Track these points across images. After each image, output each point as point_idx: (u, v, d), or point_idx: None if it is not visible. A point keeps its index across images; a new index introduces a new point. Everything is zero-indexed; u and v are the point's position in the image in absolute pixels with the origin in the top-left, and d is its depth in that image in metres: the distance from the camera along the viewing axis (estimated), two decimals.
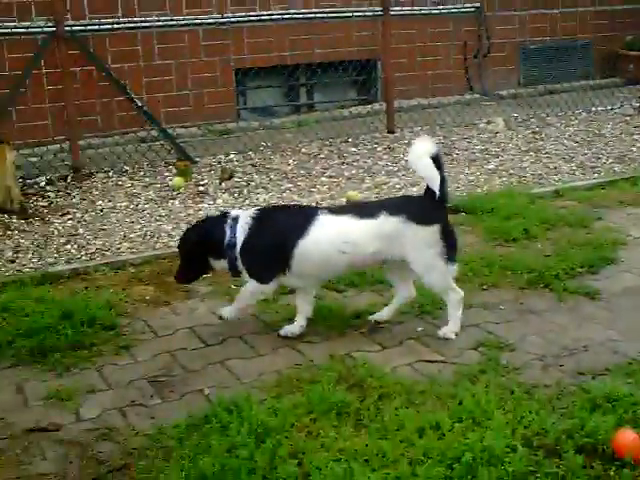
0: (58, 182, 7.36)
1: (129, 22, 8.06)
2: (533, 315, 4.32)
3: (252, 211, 4.18)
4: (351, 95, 10.58)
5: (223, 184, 7.12)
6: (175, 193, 6.94)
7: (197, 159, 7.92)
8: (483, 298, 4.53)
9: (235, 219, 4.12)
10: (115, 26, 7.95)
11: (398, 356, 3.89)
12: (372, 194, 6.73)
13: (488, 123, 9.36)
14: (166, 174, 7.54)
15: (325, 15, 9.00)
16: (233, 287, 4.63)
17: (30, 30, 7.49)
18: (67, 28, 7.34)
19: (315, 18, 9.09)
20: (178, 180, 7.10)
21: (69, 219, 6.38)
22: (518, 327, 4.17)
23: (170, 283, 4.78)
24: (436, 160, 3.95)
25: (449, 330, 4.09)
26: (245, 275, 4.14)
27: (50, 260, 5.49)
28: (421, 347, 3.98)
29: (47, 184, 7.34)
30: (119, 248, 5.65)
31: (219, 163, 7.89)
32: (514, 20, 11.09)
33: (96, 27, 7.78)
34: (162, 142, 8.05)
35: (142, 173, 7.64)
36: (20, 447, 3.25)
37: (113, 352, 4.06)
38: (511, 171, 7.41)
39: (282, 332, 4.14)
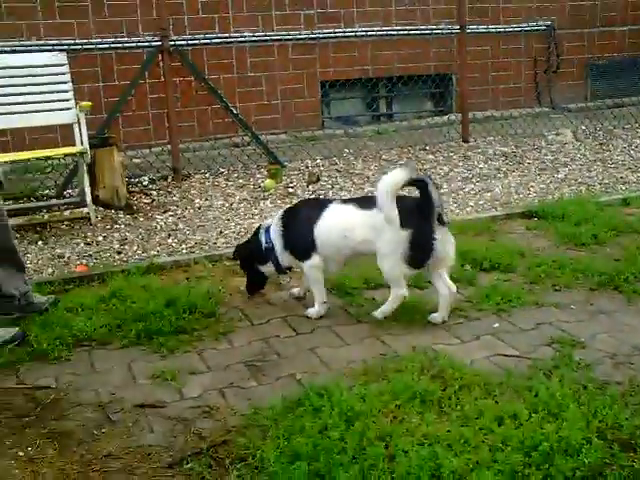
0: (159, 182, 7.49)
1: (228, 37, 8.14)
2: (603, 315, 4.23)
3: (279, 214, 4.47)
4: (428, 106, 10.53)
5: (310, 187, 7.16)
6: (266, 194, 7.00)
7: (286, 163, 7.98)
8: (555, 298, 4.45)
9: (267, 228, 4.45)
10: (214, 41, 8.03)
11: (476, 350, 3.85)
12: (449, 199, 6.69)
13: (557, 134, 9.23)
14: (258, 176, 7.60)
15: (406, 32, 8.96)
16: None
17: (139, 44, 7.63)
18: (171, 42, 7.46)
19: (396, 35, 9.07)
20: (269, 182, 7.16)
21: (170, 215, 6.48)
22: (589, 326, 4.09)
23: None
24: (417, 184, 4.01)
25: (379, 313, 4.23)
26: (298, 263, 4.39)
27: (153, 252, 5.59)
28: (497, 342, 3.94)
29: (150, 183, 7.48)
30: (216, 243, 5.72)
31: (306, 167, 7.93)
32: (583, 37, 10.90)
33: (196, 41, 7.87)
34: (254, 147, 8.12)
35: (236, 175, 7.72)
36: (130, 421, 3.30)
37: (212, 337, 4.10)
38: (580, 180, 7.28)
39: (308, 313, 4.35)
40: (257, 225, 4.80)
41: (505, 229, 5.74)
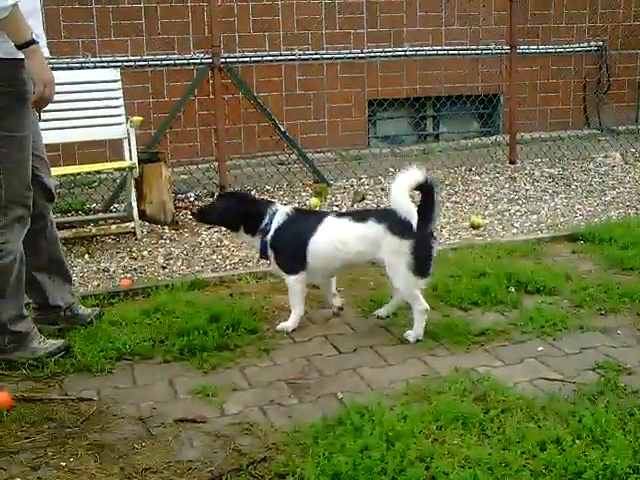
0: (206, 198, 7.53)
1: (278, 55, 8.19)
2: None
3: (281, 219, 4.37)
4: (475, 127, 10.49)
5: (355, 205, 7.15)
6: None
7: (332, 181, 8.00)
8: (601, 322, 4.38)
9: (275, 211, 4.37)
10: (264, 59, 8.08)
11: (519, 373, 3.80)
12: (494, 220, 6.64)
13: (605, 157, 9.13)
14: (303, 194, 7.62)
15: (456, 52, 8.93)
16: (358, 298, 4.64)
17: (190, 61, 7.71)
18: (222, 60, 7.53)
19: (445, 54, 9.05)
20: (315, 200, 7.17)
21: (215, 231, 6.51)
22: (635, 352, 4.01)
23: (307, 294, 4.82)
24: (425, 188, 4.05)
25: (411, 335, 4.19)
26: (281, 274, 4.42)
27: (197, 268, 5.63)
28: (541, 365, 3.88)
29: (196, 199, 7.54)
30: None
31: (352, 186, 7.93)
32: (635, 59, 10.76)
33: (247, 59, 7.93)
34: (300, 165, 8.15)
35: (282, 193, 7.75)
36: (171, 435, 3.31)
37: (255, 354, 4.10)
38: (628, 203, 7.19)
39: (278, 327, 4.37)
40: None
41: (551, 252, 5.67)
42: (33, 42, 3.60)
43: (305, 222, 4.36)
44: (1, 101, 3.68)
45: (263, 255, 4.44)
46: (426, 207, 4.06)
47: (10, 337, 3.93)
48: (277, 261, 4.38)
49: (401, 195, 4.02)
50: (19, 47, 3.58)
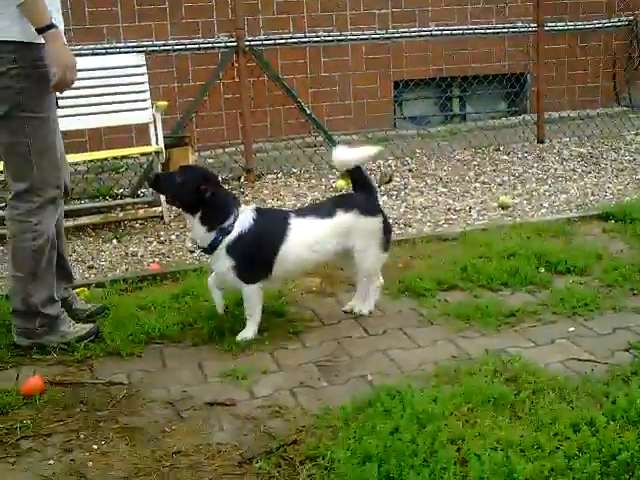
0: (232, 181, 7.52)
1: (303, 37, 8.13)
2: None
3: (244, 227, 3.98)
4: (502, 107, 10.37)
5: (382, 187, 7.11)
6: (338, 194, 6.96)
7: None
8: (633, 302, 4.31)
9: (237, 215, 3.98)
10: (289, 41, 8.03)
11: (550, 354, 3.75)
12: (523, 200, 6.58)
13: (636, 134, 9.00)
14: (330, 177, 7.59)
15: (482, 31, 8.81)
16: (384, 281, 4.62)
17: (215, 45, 7.68)
18: (246, 42, 7.49)
19: (471, 34, 8.93)
20: (341, 182, 7.13)
21: None
22: None
23: (335, 276, 4.82)
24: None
25: (365, 308, 4.27)
26: (237, 283, 4.05)
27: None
28: (572, 346, 3.83)
29: (222, 183, 7.49)
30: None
31: (378, 167, 7.88)
32: None
33: (271, 41, 7.88)
34: (326, 147, 8.11)
35: (308, 175, 7.72)
36: (201, 418, 3.31)
37: (284, 337, 4.09)
38: None
39: (238, 338, 4.05)
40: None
41: (581, 231, 5.60)
42: (52, 26, 3.62)
43: (271, 228, 4.02)
44: (23, 83, 3.70)
45: (209, 251, 4.03)
46: (368, 186, 4.23)
47: (41, 320, 3.96)
48: (234, 269, 3.97)
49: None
50: (39, 31, 3.61)
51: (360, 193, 4.23)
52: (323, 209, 4.18)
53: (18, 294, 3.96)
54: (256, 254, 3.99)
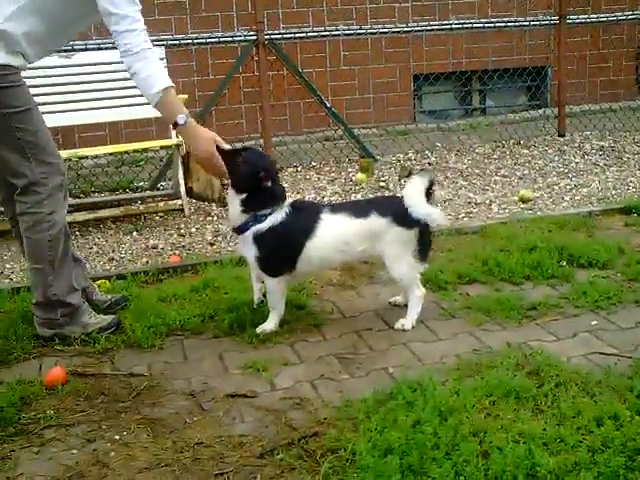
0: None
1: (323, 30, 8.10)
2: None
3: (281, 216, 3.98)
4: (522, 100, 10.32)
5: (402, 180, 7.09)
6: (358, 187, 6.97)
7: (378, 157, 7.93)
8: None
9: (278, 207, 3.97)
10: (309, 34, 8.01)
11: (573, 347, 3.73)
12: (544, 194, 6.54)
13: None
14: (350, 170, 7.57)
15: (503, 24, 8.74)
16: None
17: (235, 39, 7.68)
18: (266, 36, 7.49)
19: (492, 27, 8.87)
20: (361, 176, 7.13)
21: None
22: None
23: (356, 269, 4.81)
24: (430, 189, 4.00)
25: (407, 323, 4.05)
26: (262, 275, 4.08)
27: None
28: (595, 340, 3.80)
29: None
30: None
31: (398, 161, 7.86)
32: None
33: (291, 35, 7.86)
34: (346, 141, 8.10)
35: (328, 168, 7.71)
36: (222, 410, 3.31)
37: (304, 329, 4.09)
38: None
39: (258, 330, 4.04)
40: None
41: (603, 225, 5.56)
42: (177, 124, 3.81)
43: (300, 225, 3.98)
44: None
45: (237, 232, 4.05)
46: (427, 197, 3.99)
47: (62, 310, 3.98)
48: (258, 260, 3.99)
49: (418, 197, 3.95)
50: (173, 125, 3.85)
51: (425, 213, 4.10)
52: (359, 208, 4.08)
53: (39, 286, 3.97)
54: (281, 249, 3.97)
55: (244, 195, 3.94)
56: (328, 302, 4.44)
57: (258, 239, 3.95)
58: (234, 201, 3.97)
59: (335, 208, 4.13)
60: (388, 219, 3.95)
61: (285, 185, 6.83)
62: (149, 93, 3.76)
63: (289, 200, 4.06)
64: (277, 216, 3.94)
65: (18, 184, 3.84)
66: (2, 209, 4.85)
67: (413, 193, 3.97)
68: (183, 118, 3.80)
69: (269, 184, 3.93)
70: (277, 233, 3.93)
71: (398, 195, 4.20)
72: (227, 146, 3.94)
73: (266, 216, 3.94)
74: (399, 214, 3.95)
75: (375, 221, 3.96)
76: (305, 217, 4.02)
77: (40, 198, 3.84)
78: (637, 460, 2.68)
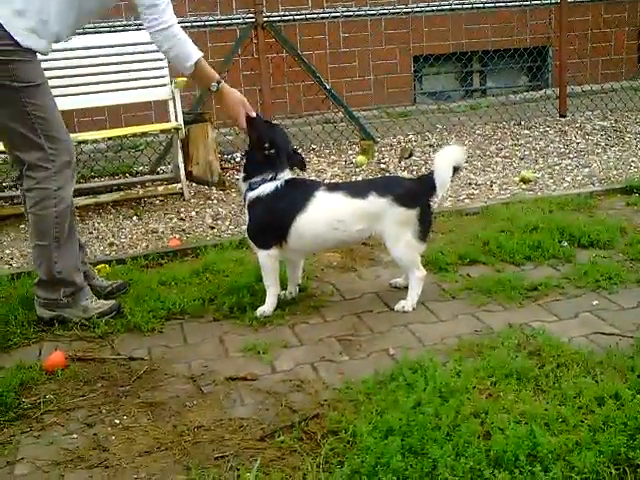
0: None
1: (322, 12, 8.05)
2: None
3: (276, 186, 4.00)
4: (522, 81, 10.27)
5: (403, 162, 7.06)
6: (358, 169, 6.93)
7: (378, 139, 7.90)
8: None
9: (274, 177, 4.01)
10: (308, 16, 7.95)
11: (574, 327, 3.71)
12: (545, 174, 6.51)
13: None
14: (350, 152, 7.54)
15: (503, 4, 8.66)
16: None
17: (233, 21, 7.63)
18: (265, 19, 7.43)
19: (492, 7, 8.80)
20: (361, 158, 7.10)
21: None
22: None
23: (356, 251, 4.79)
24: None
25: (407, 304, 4.02)
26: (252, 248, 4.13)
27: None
28: (596, 320, 3.78)
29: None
30: None
31: (399, 143, 7.83)
32: None
33: (290, 17, 7.81)
34: (346, 123, 8.06)
35: (328, 151, 7.68)
36: (222, 393, 3.31)
37: (304, 312, 4.08)
38: None
39: (257, 313, 4.04)
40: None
41: (604, 205, 5.53)
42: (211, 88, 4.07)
43: (291, 198, 3.98)
44: (9, 55, 3.64)
45: (244, 201, 4.15)
46: (439, 178, 3.96)
47: (65, 290, 3.97)
48: (248, 228, 4.08)
49: (446, 168, 3.94)
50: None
51: (413, 181, 4.16)
52: (358, 189, 4.06)
53: (43, 263, 3.95)
54: (268, 219, 3.99)
55: (244, 161, 4.18)
56: (328, 284, 4.42)
57: (250, 206, 4.04)
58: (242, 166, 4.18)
59: (332, 187, 4.13)
60: (388, 199, 3.91)
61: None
62: (183, 67, 4.01)
63: (287, 175, 4.06)
64: (269, 185, 3.98)
65: (27, 159, 3.82)
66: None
67: (444, 160, 3.98)
68: (215, 86, 4.07)
69: (266, 152, 4.01)
70: (265, 202, 3.97)
71: (399, 175, 4.17)
72: (253, 113, 4.12)
73: (258, 184, 3.99)
74: (400, 194, 3.93)
75: (374, 201, 3.93)
76: (298, 192, 4.02)
77: (49, 174, 3.82)
78: (638, 439, 2.66)
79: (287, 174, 4.05)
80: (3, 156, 5.88)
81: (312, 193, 3.98)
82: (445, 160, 3.98)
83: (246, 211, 4.09)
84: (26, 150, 3.81)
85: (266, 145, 3.99)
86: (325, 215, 3.97)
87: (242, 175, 4.11)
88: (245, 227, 4.14)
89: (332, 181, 6.48)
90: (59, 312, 4.00)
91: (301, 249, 4.14)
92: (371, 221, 3.96)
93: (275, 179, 3.99)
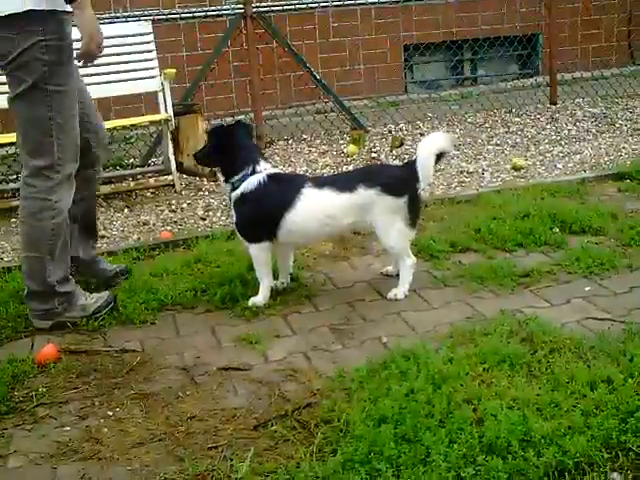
0: None
1: (311, 2, 8.02)
2: None
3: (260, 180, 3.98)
4: (513, 69, 10.25)
5: (394, 151, 7.05)
6: (349, 159, 6.92)
7: (369, 128, 7.88)
8: None
9: (254, 171, 3.99)
10: (297, 6, 7.93)
11: (566, 313, 3.72)
12: (536, 161, 6.51)
13: None
14: (341, 142, 7.52)
15: None
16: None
17: (222, 12, 7.60)
18: (254, 9, 7.40)
19: None
20: (352, 147, 7.08)
21: None
22: None
23: (348, 240, 4.79)
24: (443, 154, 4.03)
25: (399, 292, 4.03)
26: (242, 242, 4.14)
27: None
28: (588, 305, 3.80)
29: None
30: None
31: (390, 132, 7.81)
32: None
33: (279, 7, 7.79)
34: (337, 113, 8.05)
35: (319, 141, 7.66)
36: (215, 383, 3.31)
37: (297, 301, 4.08)
38: None
39: (250, 303, 4.04)
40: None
41: (595, 191, 5.54)
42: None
43: (277, 194, 3.96)
44: (52, 55, 3.63)
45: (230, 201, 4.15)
46: (421, 165, 3.96)
47: (59, 299, 3.90)
48: (235, 225, 4.10)
49: (427, 155, 3.95)
50: (67, 0, 3.55)
51: (399, 168, 4.18)
52: (344, 181, 4.03)
53: (36, 275, 3.85)
54: (256, 216, 3.98)
55: (217, 167, 4.17)
56: (320, 273, 4.42)
57: (235, 204, 4.03)
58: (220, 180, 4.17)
59: (319, 182, 4.09)
60: (377, 190, 3.90)
61: (277, 159, 6.92)
62: None
63: (268, 168, 4.04)
64: (251, 180, 3.96)
65: (32, 164, 3.74)
66: None
67: (426, 148, 3.99)
68: None
69: (229, 143, 4.05)
70: (250, 199, 3.96)
71: (383, 163, 4.17)
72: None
73: (240, 181, 3.98)
74: (387, 184, 3.92)
75: (363, 194, 3.92)
76: (285, 188, 4.00)
77: (52, 184, 3.75)
78: (630, 422, 2.68)
79: (268, 167, 4.04)
80: None
81: (299, 190, 3.95)
82: (427, 148, 3.98)
83: (232, 210, 4.07)
84: (35, 155, 3.73)
85: (218, 144, 4.07)
86: (315, 212, 3.96)
87: (222, 179, 4.09)
88: (233, 224, 4.15)
89: (317, 173, 6.48)
90: (58, 319, 3.91)
91: (292, 243, 4.16)
92: (361, 212, 3.96)
93: (255, 172, 3.97)
